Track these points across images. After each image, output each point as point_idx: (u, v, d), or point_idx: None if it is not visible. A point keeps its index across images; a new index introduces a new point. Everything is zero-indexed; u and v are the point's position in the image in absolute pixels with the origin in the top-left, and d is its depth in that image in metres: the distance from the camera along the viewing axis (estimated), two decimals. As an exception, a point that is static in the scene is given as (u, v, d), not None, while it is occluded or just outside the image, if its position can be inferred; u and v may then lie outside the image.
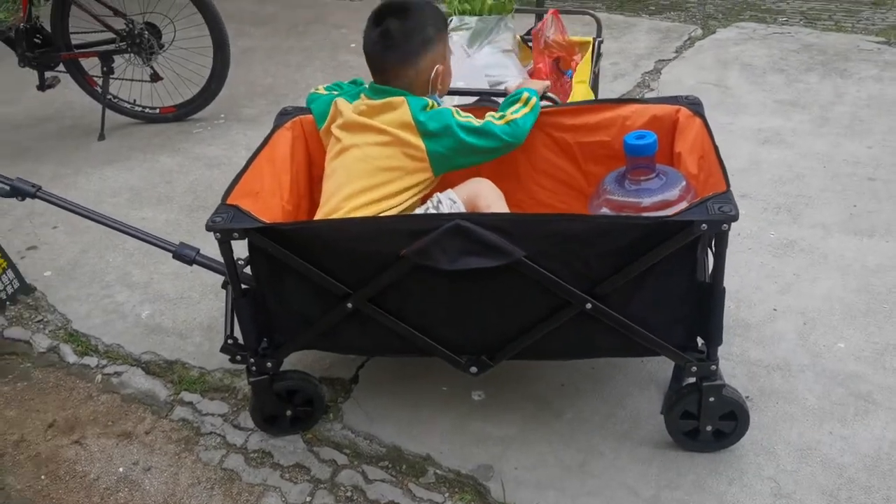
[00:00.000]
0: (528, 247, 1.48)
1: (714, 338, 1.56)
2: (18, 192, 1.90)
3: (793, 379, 1.88)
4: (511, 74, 2.33)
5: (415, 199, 1.81)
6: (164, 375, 2.06)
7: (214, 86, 3.53)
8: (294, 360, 1.92)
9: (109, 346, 2.17)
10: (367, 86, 1.87)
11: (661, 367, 1.89)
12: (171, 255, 1.85)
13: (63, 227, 2.74)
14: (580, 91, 2.25)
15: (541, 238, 1.49)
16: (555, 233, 1.49)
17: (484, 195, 1.80)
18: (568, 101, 2.25)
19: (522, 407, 1.85)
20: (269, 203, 1.81)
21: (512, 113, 1.81)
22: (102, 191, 3.04)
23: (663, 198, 1.63)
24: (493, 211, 1.76)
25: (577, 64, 2.42)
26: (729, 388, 1.62)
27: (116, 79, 3.49)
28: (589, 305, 1.53)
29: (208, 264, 1.85)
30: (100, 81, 3.49)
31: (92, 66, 3.53)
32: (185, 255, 1.84)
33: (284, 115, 2.00)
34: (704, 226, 1.43)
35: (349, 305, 1.60)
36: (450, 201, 1.78)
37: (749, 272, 2.26)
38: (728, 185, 1.51)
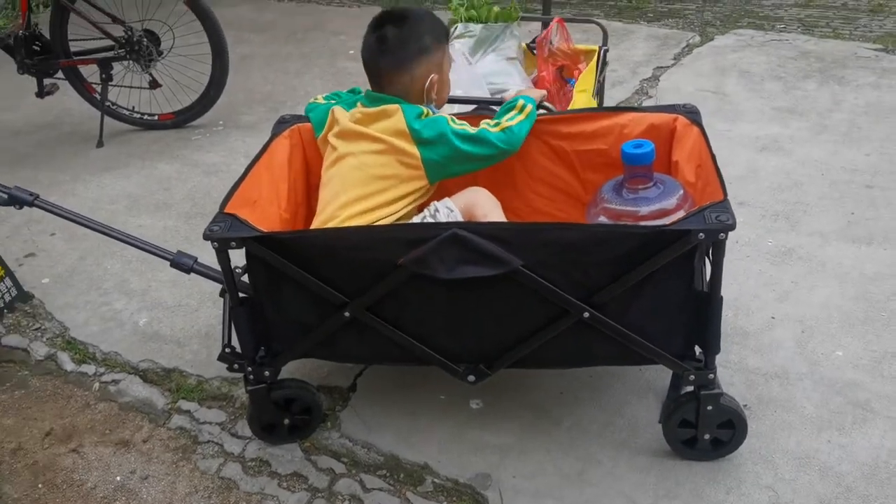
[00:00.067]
0: (526, 256, 1.48)
1: (711, 346, 1.56)
2: (16, 200, 1.90)
3: (791, 387, 1.87)
4: (514, 82, 2.33)
5: (411, 207, 1.81)
6: (161, 383, 2.06)
7: (213, 93, 3.53)
8: (292, 369, 1.92)
9: (107, 354, 2.17)
10: (364, 94, 1.88)
11: (660, 376, 1.89)
12: (168, 263, 1.85)
13: (61, 235, 2.74)
14: (581, 100, 2.26)
15: (538, 247, 1.49)
16: (552, 242, 1.49)
17: (481, 204, 1.80)
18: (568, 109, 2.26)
19: (520, 415, 1.85)
20: (267, 211, 1.81)
21: (507, 120, 1.82)
22: (100, 198, 3.04)
23: (661, 207, 1.63)
24: (490, 220, 1.76)
25: (580, 73, 2.42)
26: (727, 397, 1.62)
27: (115, 86, 3.49)
28: (587, 314, 1.53)
29: (206, 273, 1.85)
30: (98, 88, 3.50)
31: (91, 73, 3.54)
32: (183, 263, 1.84)
33: (282, 124, 2.00)
34: (702, 235, 1.43)
35: (347, 314, 1.60)
36: (447, 210, 1.78)
37: (747, 280, 2.27)
38: (725, 194, 1.51)
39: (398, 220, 1.78)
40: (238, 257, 1.61)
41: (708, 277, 1.54)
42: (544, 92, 2.02)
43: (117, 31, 3.37)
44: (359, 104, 1.85)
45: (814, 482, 1.63)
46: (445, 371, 1.66)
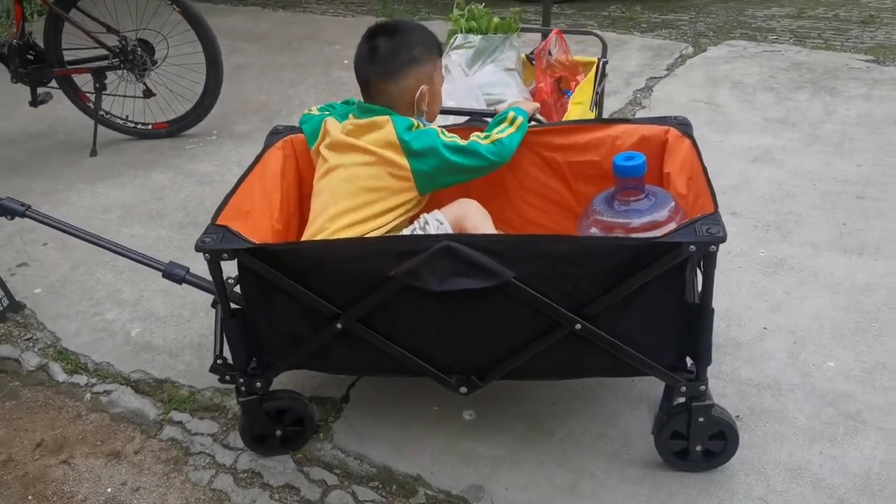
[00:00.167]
0: (518, 268, 1.49)
1: (703, 358, 1.57)
2: (7, 211, 1.89)
3: (783, 398, 1.88)
4: (512, 93, 2.34)
5: (401, 219, 1.81)
6: (153, 394, 2.05)
7: (207, 102, 3.54)
8: (284, 380, 1.92)
9: (99, 365, 2.16)
10: (356, 105, 1.89)
11: (652, 387, 1.89)
12: (160, 274, 1.85)
13: (53, 244, 2.73)
14: (576, 112, 2.26)
15: (530, 259, 1.49)
16: (544, 254, 1.49)
17: (471, 216, 1.80)
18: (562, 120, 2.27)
19: (513, 426, 1.85)
20: (259, 222, 1.81)
21: (497, 133, 1.83)
22: (93, 207, 3.04)
23: (652, 219, 1.64)
24: (480, 232, 1.76)
25: (577, 84, 2.43)
26: (718, 408, 1.63)
27: (109, 95, 3.50)
28: (578, 326, 1.53)
29: (198, 283, 1.85)
30: (92, 97, 3.50)
31: (84, 82, 3.53)
32: (175, 274, 1.84)
33: (275, 135, 2.01)
34: (693, 247, 1.43)
35: (338, 326, 1.60)
36: (437, 222, 1.78)
37: (739, 290, 2.27)
38: (716, 206, 1.52)
39: (389, 231, 1.79)
40: (231, 268, 1.61)
41: (699, 289, 1.55)
42: (537, 105, 2.03)
43: (111, 40, 3.37)
44: (350, 116, 1.86)
45: (806, 494, 1.63)
46: (438, 383, 1.66)
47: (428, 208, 1.86)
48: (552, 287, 1.51)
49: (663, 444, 1.67)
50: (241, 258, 1.56)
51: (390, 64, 1.80)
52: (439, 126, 1.87)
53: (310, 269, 1.57)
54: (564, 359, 1.61)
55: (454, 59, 2.31)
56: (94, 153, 3.50)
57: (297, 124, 2.01)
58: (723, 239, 1.43)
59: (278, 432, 1.79)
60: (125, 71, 3.43)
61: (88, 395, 2.07)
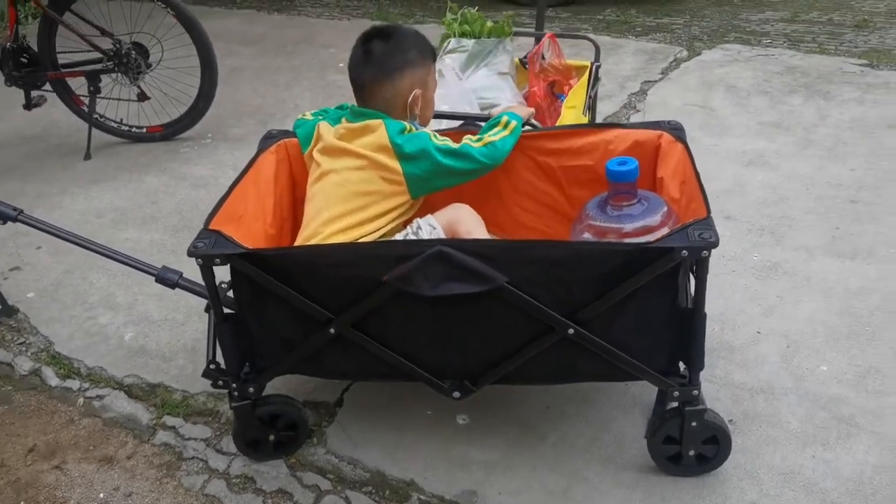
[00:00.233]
0: (511, 273, 1.49)
1: (696, 363, 1.57)
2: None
3: (776, 402, 1.88)
4: (506, 97, 2.34)
5: (395, 223, 1.81)
6: (146, 399, 2.04)
7: (202, 105, 3.53)
8: (278, 384, 1.92)
9: (92, 369, 2.15)
10: (349, 109, 1.89)
11: (646, 391, 1.89)
12: (153, 278, 1.84)
13: (47, 248, 2.72)
14: (569, 116, 2.27)
15: (523, 264, 1.49)
16: (537, 259, 1.49)
17: (464, 221, 1.80)
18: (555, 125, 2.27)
19: (507, 431, 1.85)
20: (253, 227, 1.81)
21: (490, 136, 1.83)
22: (87, 211, 3.03)
23: (645, 223, 1.64)
24: (473, 237, 1.76)
25: (570, 88, 2.43)
26: (711, 413, 1.63)
27: (103, 98, 3.49)
28: (571, 331, 1.53)
29: (191, 288, 1.84)
30: (86, 101, 3.49)
31: (79, 85, 3.53)
32: (168, 278, 1.83)
33: (269, 139, 2.00)
34: (685, 252, 1.43)
35: (331, 331, 1.60)
36: (429, 227, 1.78)
37: (733, 294, 2.28)
38: (709, 211, 1.52)
39: (383, 235, 1.79)
40: (225, 272, 1.61)
41: (692, 293, 1.55)
42: (532, 110, 2.03)
43: (106, 43, 3.37)
44: (343, 120, 1.86)
45: (798, 498, 1.63)
46: (431, 387, 1.66)
47: (421, 213, 1.86)
48: (545, 292, 1.51)
49: (656, 448, 1.68)
50: (233, 263, 1.56)
51: (385, 65, 1.81)
52: (432, 130, 1.87)
53: (302, 274, 1.57)
54: (557, 363, 1.61)
55: (448, 64, 2.32)
56: (87, 157, 3.50)
57: (291, 128, 2.01)
58: (715, 244, 1.43)
59: (271, 437, 1.79)
60: (119, 74, 3.42)
61: (81, 400, 2.06)
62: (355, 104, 1.88)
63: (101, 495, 1.77)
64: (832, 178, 2.94)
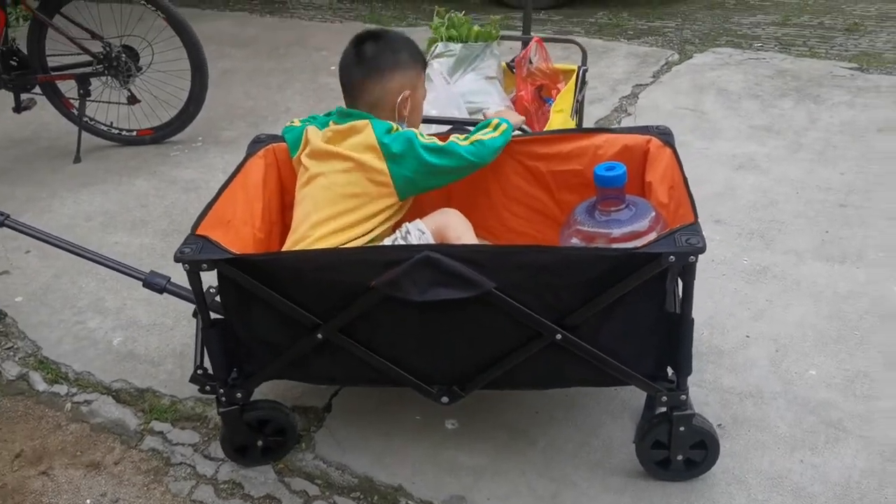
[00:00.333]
0: (499, 278, 1.48)
1: (683, 368, 1.57)
2: (-14, 220, 1.88)
3: (765, 406, 1.88)
4: (493, 101, 2.34)
5: (384, 226, 1.81)
6: (134, 404, 2.04)
7: (192, 108, 3.52)
8: (266, 390, 1.91)
9: (80, 374, 2.14)
10: (336, 111, 1.89)
11: (635, 396, 1.89)
12: (140, 283, 1.83)
13: (36, 252, 2.71)
14: (558, 120, 2.27)
15: (511, 269, 1.49)
16: (524, 264, 1.49)
17: (453, 226, 1.80)
18: (544, 130, 2.27)
19: (496, 436, 1.84)
20: (241, 232, 1.81)
21: (479, 135, 1.83)
22: (76, 215, 3.02)
23: (632, 229, 1.64)
24: (462, 241, 1.76)
25: (558, 92, 2.44)
26: (699, 418, 1.63)
27: (93, 101, 3.47)
28: (559, 336, 1.53)
29: (179, 293, 1.83)
30: (76, 104, 3.48)
31: (68, 88, 3.52)
32: (156, 283, 1.82)
33: (257, 143, 2.00)
34: (672, 258, 1.43)
35: (319, 336, 1.59)
36: (418, 231, 1.78)
37: (723, 298, 2.28)
38: (696, 216, 1.52)
39: (372, 238, 1.79)
40: (213, 276, 1.60)
41: (681, 298, 1.55)
42: (522, 118, 2.03)
43: (96, 46, 3.35)
44: (331, 122, 1.86)
45: (786, 503, 1.63)
46: (419, 392, 1.66)
47: (410, 217, 1.85)
48: (533, 297, 1.51)
49: (645, 453, 1.67)
50: (220, 269, 1.56)
51: (375, 64, 1.82)
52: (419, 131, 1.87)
53: (290, 279, 1.56)
54: (545, 369, 1.61)
55: (436, 68, 2.31)
56: (77, 160, 3.49)
57: (280, 132, 2.01)
58: (702, 250, 1.43)
59: (259, 442, 1.78)
60: (109, 77, 3.41)
61: (69, 405, 2.05)
62: (341, 106, 1.88)
63: (88, 501, 1.76)
64: (822, 181, 2.94)
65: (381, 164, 1.75)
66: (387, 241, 1.80)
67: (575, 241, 1.70)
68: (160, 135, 3.61)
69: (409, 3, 6.08)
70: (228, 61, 4.76)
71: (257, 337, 1.66)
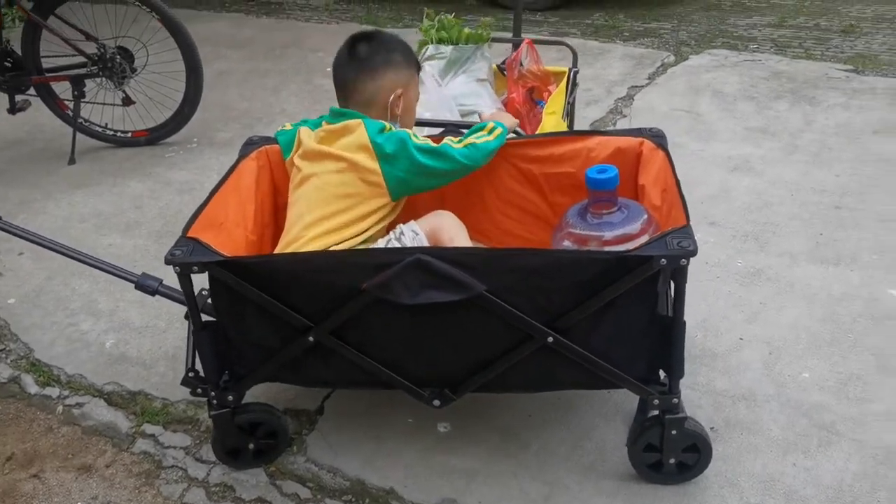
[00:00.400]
0: (490, 281, 1.48)
1: (675, 371, 1.56)
2: (-23, 222, 1.87)
3: (758, 409, 1.88)
4: (485, 104, 2.34)
5: (378, 227, 1.81)
6: (126, 407, 2.03)
7: (187, 110, 3.52)
8: (259, 392, 1.90)
9: (72, 377, 2.14)
10: (329, 111, 1.89)
11: (628, 399, 1.88)
12: (133, 285, 1.83)
13: (29, 254, 2.70)
14: (550, 122, 2.26)
15: (502, 272, 1.48)
16: (516, 267, 1.49)
17: (447, 228, 1.80)
18: (536, 132, 2.27)
19: (488, 438, 1.84)
20: (233, 234, 1.80)
21: (473, 138, 1.83)
22: (70, 216, 3.01)
23: (624, 231, 1.64)
24: (455, 244, 1.76)
25: (549, 95, 2.43)
26: (691, 421, 1.63)
27: (88, 102, 3.47)
28: (550, 339, 1.53)
29: (171, 295, 1.83)
30: (71, 105, 3.47)
31: (63, 89, 3.51)
32: (148, 285, 1.82)
33: (250, 145, 2.00)
34: (664, 261, 1.43)
35: (310, 339, 1.59)
36: (412, 233, 1.78)
37: (717, 300, 2.27)
38: (688, 219, 1.52)
39: (366, 239, 1.78)
40: (206, 278, 1.60)
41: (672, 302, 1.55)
42: (517, 120, 2.03)
43: (90, 47, 3.35)
44: (324, 123, 1.86)
45: (778, 506, 1.63)
46: (411, 395, 1.66)
47: (404, 219, 1.85)
48: (524, 300, 1.51)
49: (637, 456, 1.67)
50: (211, 271, 1.55)
51: (368, 62, 1.83)
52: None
53: (281, 281, 1.56)
54: (537, 372, 1.61)
55: (427, 70, 2.31)
56: (72, 161, 3.48)
57: (274, 134, 2.00)
58: (693, 253, 1.43)
59: (251, 445, 1.78)
60: (104, 79, 3.40)
61: (60, 408, 2.04)
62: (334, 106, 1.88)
63: (79, 504, 1.76)
64: (817, 183, 2.94)
65: (374, 164, 1.75)
66: (381, 242, 1.80)
67: (567, 243, 1.70)
68: (155, 136, 3.60)
69: (405, 5, 6.08)
70: (224, 62, 4.76)
71: (248, 339, 1.65)
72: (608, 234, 1.65)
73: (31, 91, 3.49)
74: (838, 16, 5.34)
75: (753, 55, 4.50)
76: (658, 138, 1.87)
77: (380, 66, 1.83)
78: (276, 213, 2.02)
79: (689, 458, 1.66)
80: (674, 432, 1.60)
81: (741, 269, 2.42)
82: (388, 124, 1.80)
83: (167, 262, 1.54)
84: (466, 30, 2.47)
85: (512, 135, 1.98)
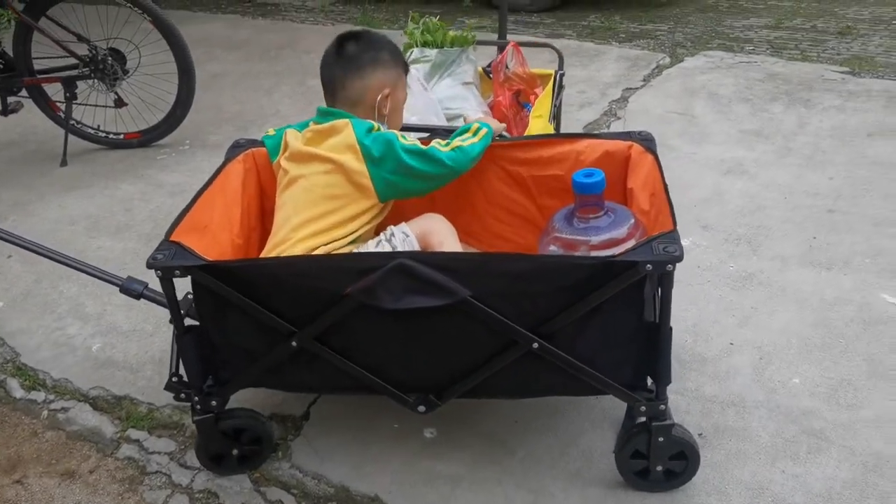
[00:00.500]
0: (474, 286, 1.46)
1: (662, 378, 1.55)
2: (-39, 225, 1.86)
3: (747, 415, 1.86)
4: (470, 107, 2.32)
5: (366, 228, 1.80)
6: (111, 411, 2.01)
7: (180, 112, 3.51)
8: (245, 397, 1.89)
9: (57, 381, 2.12)
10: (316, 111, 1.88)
11: (616, 405, 1.87)
12: (118, 289, 1.81)
13: (17, 257, 2.69)
14: (537, 126, 2.25)
15: (486, 277, 1.47)
16: (501, 272, 1.47)
17: (437, 231, 1.79)
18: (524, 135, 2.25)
19: (474, 444, 1.82)
20: (219, 237, 1.79)
21: (459, 140, 1.82)
22: (61, 219, 3.00)
23: (611, 236, 1.62)
24: (445, 247, 1.75)
25: (536, 97, 2.42)
26: (678, 428, 1.61)
27: (80, 104, 3.46)
28: (536, 345, 1.51)
29: (156, 299, 1.81)
30: (63, 107, 3.46)
31: (55, 91, 3.50)
32: (133, 289, 1.80)
33: (236, 148, 1.98)
34: (649, 266, 1.41)
35: (294, 343, 1.57)
36: (403, 235, 1.77)
37: (708, 305, 2.26)
38: (675, 224, 1.50)
39: (354, 240, 1.77)
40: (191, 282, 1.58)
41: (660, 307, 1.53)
42: (504, 125, 2.01)
43: (82, 49, 3.33)
44: (311, 123, 1.85)
45: (766, 514, 1.62)
46: (395, 401, 1.64)
47: (395, 221, 1.84)
48: (510, 305, 1.49)
49: (624, 463, 1.65)
50: (194, 275, 1.54)
51: (356, 61, 1.83)
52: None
53: (264, 285, 1.54)
54: (523, 377, 1.59)
55: (412, 74, 2.29)
56: (64, 163, 3.47)
57: (261, 138, 1.99)
58: (679, 258, 1.41)
59: (235, 451, 1.76)
60: (96, 80, 3.39)
61: (46, 413, 2.03)
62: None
63: (61, 511, 1.74)
64: (810, 186, 2.93)
65: (361, 166, 1.74)
66: (370, 244, 1.79)
67: (553, 248, 1.68)
68: (147, 138, 3.59)
69: (400, 6, 6.07)
70: (218, 64, 4.74)
71: (232, 344, 1.64)
72: (595, 239, 1.63)
73: (24, 93, 3.48)
74: (835, 17, 5.33)
75: (749, 57, 4.49)
76: (647, 142, 1.85)
77: (367, 64, 1.83)
78: (263, 217, 2.00)
79: (677, 466, 1.64)
80: (661, 439, 1.59)
81: (733, 272, 2.41)
82: (376, 124, 1.79)
83: (149, 266, 1.52)
84: (451, 32, 2.45)
85: (498, 138, 1.96)
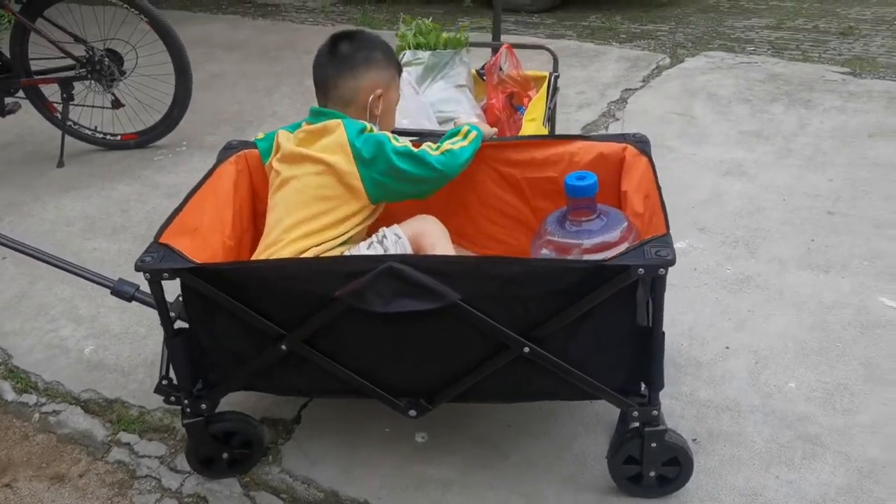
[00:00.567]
0: (465, 290, 1.45)
1: (655, 383, 1.53)
2: (-49, 227, 1.85)
3: (742, 420, 1.84)
4: (464, 110, 2.31)
5: (358, 228, 1.79)
6: (102, 414, 2.00)
7: (176, 113, 3.50)
8: (236, 400, 1.87)
9: (49, 384, 2.11)
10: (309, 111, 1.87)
11: (609, 409, 1.82)
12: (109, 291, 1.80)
13: (12, 259, 2.68)
14: (530, 129, 2.23)
15: (477, 281, 1.45)
16: (491, 276, 1.45)
17: (429, 233, 1.77)
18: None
19: (466, 448, 1.81)
20: (210, 239, 1.77)
21: (449, 144, 1.81)
22: (57, 220, 2.99)
23: (603, 239, 1.61)
24: (437, 249, 1.74)
25: (529, 100, 2.40)
26: (672, 434, 1.59)
27: (77, 105, 3.45)
28: (527, 349, 1.50)
29: (148, 301, 1.80)
30: (60, 108, 3.45)
31: (52, 92, 3.49)
32: (124, 291, 1.79)
33: (229, 150, 1.97)
34: (641, 270, 1.40)
35: (283, 347, 1.56)
36: (395, 236, 1.76)
37: (704, 308, 2.24)
38: (668, 227, 1.49)
39: (346, 241, 1.77)
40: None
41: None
42: (495, 130, 2.00)
43: (79, 50, 3.33)
44: (304, 124, 1.84)
45: (760, 520, 1.60)
46: (386, 405, 1.63)
47: (387, 224, 1.83)
48: (501, 309, 1.48)
49: (617, 468, 1.64)
50: (182, 278, 1.52)
51: (349, 60, 1.83)
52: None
53: (253, 288, 1.53)
54: (514, 382, 1.58)
55: (404, 77, 2.28)
56: (61, 164, 3.46)
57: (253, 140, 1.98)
58: (671, 262, 1.40)
59: (225, 455, 1.75)
60: (93, 81, 3.38)
61: (37, 416, 2.02)
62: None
63: (50, 515, 1.73)
64: (810, 188, 2.91)
65: (351, 167, 1.73)
66: (362, 245, 1.78)
67: (545, 251, 1.67)
68: (144, 139, 3.58)
69: (401, 6, 6.05)
70: (217, 65, 4.73)
71: (221, 347, 1.63)
72: (587, 242, 1.62)
73: (21, 93, 3.47)
74: (837, 18, 5.30)
75: (750, 57, 4.47)
76: (642, 144, 1.84)
77: (360, 64, 1.82)
78: (255, 219, 1.99)
79: (670, 472, 1.62)
80: (653, 445, 1.57)
81: (730, 275, 2.39)
82: (368, 125, 1.78)
83: (137, 269, 1.51)
84: (444, 34, 2.43)
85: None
